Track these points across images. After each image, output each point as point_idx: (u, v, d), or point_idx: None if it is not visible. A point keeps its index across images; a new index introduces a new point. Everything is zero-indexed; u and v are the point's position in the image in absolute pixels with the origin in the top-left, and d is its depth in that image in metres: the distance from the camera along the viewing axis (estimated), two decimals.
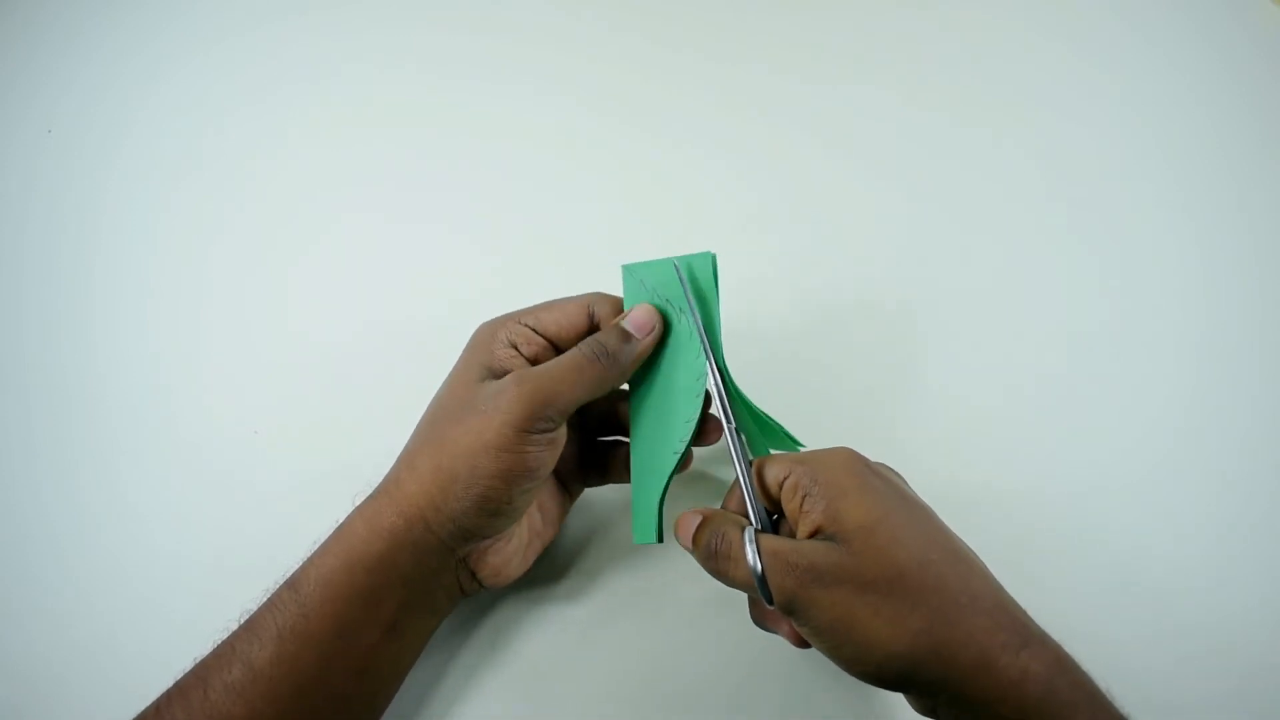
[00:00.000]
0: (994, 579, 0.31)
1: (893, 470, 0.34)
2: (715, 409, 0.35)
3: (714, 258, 0.36)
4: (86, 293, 0.49)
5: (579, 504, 0.42)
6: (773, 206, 0.53)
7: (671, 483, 0.36)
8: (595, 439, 0.40)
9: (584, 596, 0.40)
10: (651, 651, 0.39)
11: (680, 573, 0.41)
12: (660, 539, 0.36)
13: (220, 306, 0.49)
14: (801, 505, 0.31)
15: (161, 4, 0.61)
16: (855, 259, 0.51)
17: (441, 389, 0.36)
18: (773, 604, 0.30)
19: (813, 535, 0.31)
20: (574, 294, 0.37)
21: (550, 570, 0.40)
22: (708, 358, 0.35)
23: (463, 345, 0.37)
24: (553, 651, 0.39)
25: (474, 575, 0.35)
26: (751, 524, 0.32)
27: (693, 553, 0.33)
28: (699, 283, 0.36)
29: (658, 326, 0.36)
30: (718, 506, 0.35)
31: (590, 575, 0.41)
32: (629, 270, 0.37)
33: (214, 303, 0.49)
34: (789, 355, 0.47)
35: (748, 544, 0.31)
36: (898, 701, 0.38)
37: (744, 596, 0.40)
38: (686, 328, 0.36)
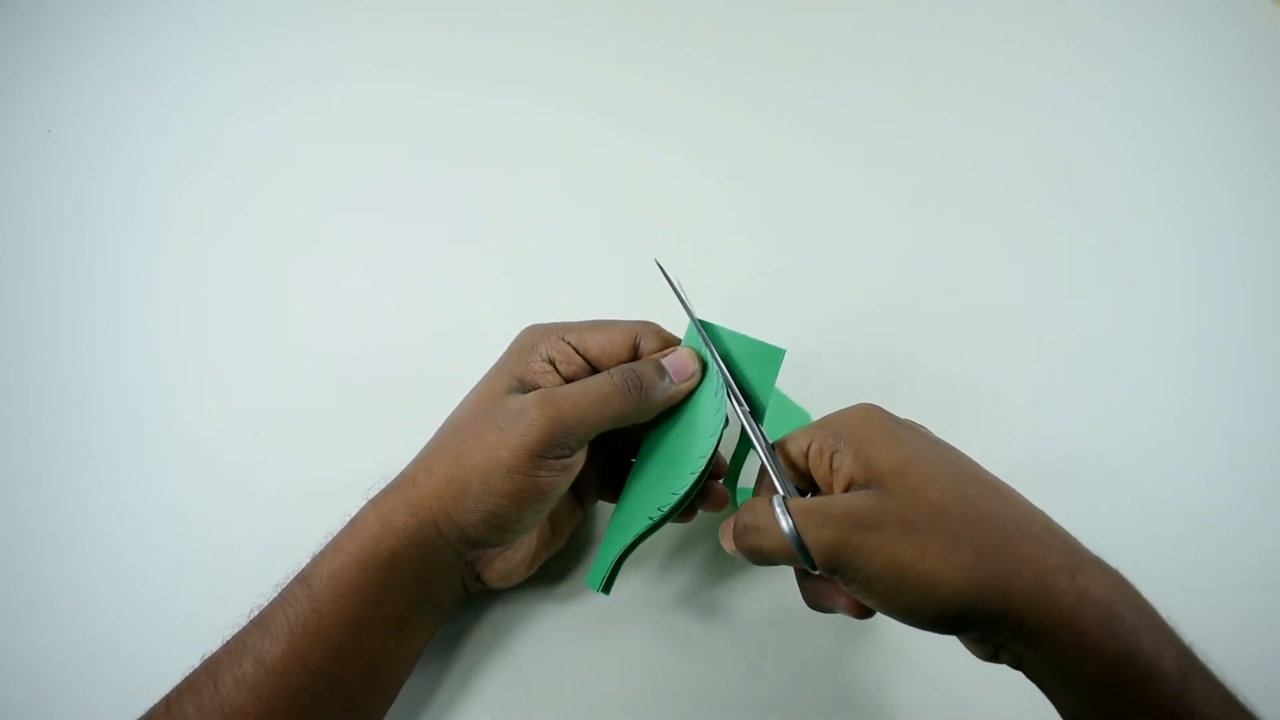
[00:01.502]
0: (1037, 508, 0.30)
1: (916, 422, 0.33)
2: (723, 396, 0.34)
3: (783, 355, 0.35)
4: (86, 293, 0.49)
5: (590, 511, 0.42)
6: (773, 206, 0.53)
7: (642, 543, 0.35)
8: (614, 454, 0.39)
9: (586, 599, 0.40)
10: (652, 655, 0.39)
11: (684, 578, 0.41)
12: (607, 591, 0.35)
13: (220, 306, 0.49)
14: (831, 465, 0.31)
15: (161, 4, 0.61)
16: (855, 258, 0.51)
17: (473, 392, 0.36)
18: (816, 568, 0.29)
19: (847, 490, 0.30)
20: (621, 318, 0.37)
21: (554, 572, 0.40)
22: (745, 419, 0.34)
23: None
24: (553, 652, 0.39)
25: (479, 578, 0.35)
26: (777, 494, 0.31)
27: (737, 552, 0.32)
28: (756, 371, 0.35)
29: (696, 374, 0.35)
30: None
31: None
32: (695, 324, 0.36)
33: (214, 302, 0.49)
34: (787, 354, 0.47)
35: (776, 508, 0.30)
36: (898, 706, 0.38)
37: (746, 600, 0.40)
38: (713, 404, 0.35)
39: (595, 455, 0.37)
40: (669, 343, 0.36)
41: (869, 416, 0.31)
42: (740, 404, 0.34)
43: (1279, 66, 0.59)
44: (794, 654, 0.39)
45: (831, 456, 0.31)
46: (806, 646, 0.39)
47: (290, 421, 0.45)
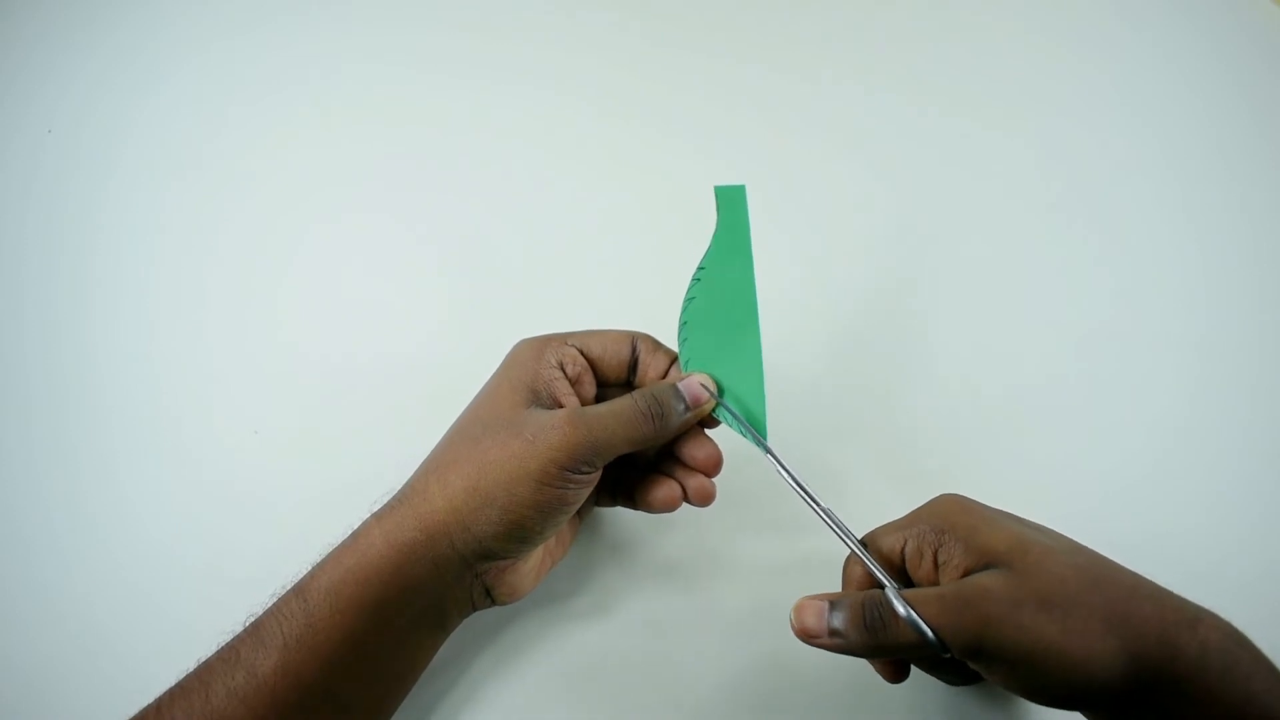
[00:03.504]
0: (1126, 568, 0.30)
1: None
2: (787, 480, 0.34)
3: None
4: (86, 293, 0.49)
5: (596, 524, 0.42)
6: (774, 207, 0.53)
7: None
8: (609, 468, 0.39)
9: (598, 616, 0.40)
10: (661, 670, 0.39)
11: (690, 593, 0.41)
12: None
13: (221, 306, 0.49)
14: (935, 561, 0.31)
15: (161, 4, 0.61)
16: (855, 259, 0.51)
17: (479, 404, 0.36)
18: (947, 652, 0.29)
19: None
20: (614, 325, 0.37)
21: (564, 588, 0.40)
22: (828, 518, 0.34)
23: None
24: (561, 669, 0.39)
25: (488, 592, 0.35)
26: (889, 586, 0.31)
27: (828, 638, 0.31)
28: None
29: (711, 402, 0.36)
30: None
31: (603, 594, 0.41)
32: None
33: (215, 302, 0.49)
34: (789, 355, 0.47)
35: (896, 601, 0.29)
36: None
37: (760, 617, 0.40)
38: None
39: None
40: (666, 353, 0.37)
41: (963, 506, 0.32)
42: (822, 510, 0.33)
43: (1279, 66, 0.59)
44: (812, 676, 0.39)
45: (935, 552, 0.31)
46: (830, 673, 0.38)
47: (291, 422, 0.45)
